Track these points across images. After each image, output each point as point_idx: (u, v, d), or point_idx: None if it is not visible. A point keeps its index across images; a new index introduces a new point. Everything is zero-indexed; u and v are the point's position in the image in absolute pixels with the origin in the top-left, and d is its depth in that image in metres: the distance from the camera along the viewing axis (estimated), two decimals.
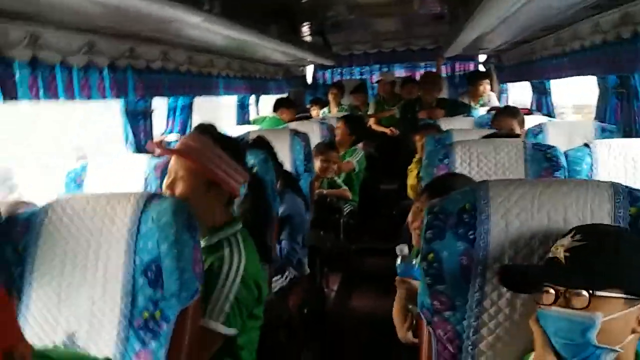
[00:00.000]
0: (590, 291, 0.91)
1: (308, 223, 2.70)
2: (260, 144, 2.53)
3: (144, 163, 2.28)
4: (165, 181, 1.53)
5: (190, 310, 1.30)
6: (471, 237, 1.16)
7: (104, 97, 2.40)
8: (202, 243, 1.50)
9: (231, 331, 1.43)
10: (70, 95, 2.17)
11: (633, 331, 0.94)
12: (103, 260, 1.29)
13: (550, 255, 1.00)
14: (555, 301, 0.95)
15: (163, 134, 3.57)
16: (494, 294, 1.16)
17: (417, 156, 3.38)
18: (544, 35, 3.80)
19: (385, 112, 5.78)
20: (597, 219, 1.11)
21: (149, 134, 3.16)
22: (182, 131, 3.51)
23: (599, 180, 1.18)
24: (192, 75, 3.45)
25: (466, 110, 4.48)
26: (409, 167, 3.44)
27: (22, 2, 1.66)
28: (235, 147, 1.60)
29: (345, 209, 3.72)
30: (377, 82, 6.18)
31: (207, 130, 1.59)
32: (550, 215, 1.14)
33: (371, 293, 3.37)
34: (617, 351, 0.93)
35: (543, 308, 0.98)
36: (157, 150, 2.16)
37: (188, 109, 3.60)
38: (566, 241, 0.98)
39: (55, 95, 2.08)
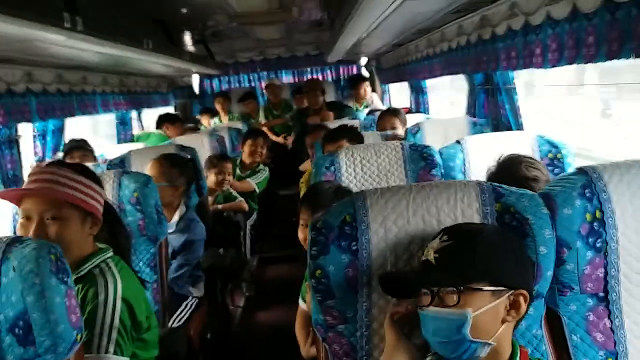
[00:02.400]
0: (459, 287, 0.96)
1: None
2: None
3: None
4: (23, 227, 1.37)
5: None
6: (354, 248, 1.17)
7: None
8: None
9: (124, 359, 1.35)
10: None
11: (503, 321, 0.99)
12: None
13: (423, 257, 1.04)
14: (431, 302, 0.99)
15: (36, 162, 3.27)
16: (382, 301, 1.19)
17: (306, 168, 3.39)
18: (416, 38, 4.02)
19: (277, 120, 5.84)
20: (468, 217, 1.17)
21: (16, 163, 2.89)
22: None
23: (466, 180, 1.25)
24: (63, 95, 3.19)
25: (349, 111, 4.64)
26: (301, 180, 3.42)
27: None
28: (84, 169, 1.51)
29: (247, 222, 3.64)
30: (266, 87, 6.21)
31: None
32: (425, 218, 1.18)
33: (277, 304, 3.34)
34: (490, 344, 0.98)
35: (421, 309, 1.01)
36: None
37: (59, 132, 3.32)
38: (435, 243, 1.03)
39: None
